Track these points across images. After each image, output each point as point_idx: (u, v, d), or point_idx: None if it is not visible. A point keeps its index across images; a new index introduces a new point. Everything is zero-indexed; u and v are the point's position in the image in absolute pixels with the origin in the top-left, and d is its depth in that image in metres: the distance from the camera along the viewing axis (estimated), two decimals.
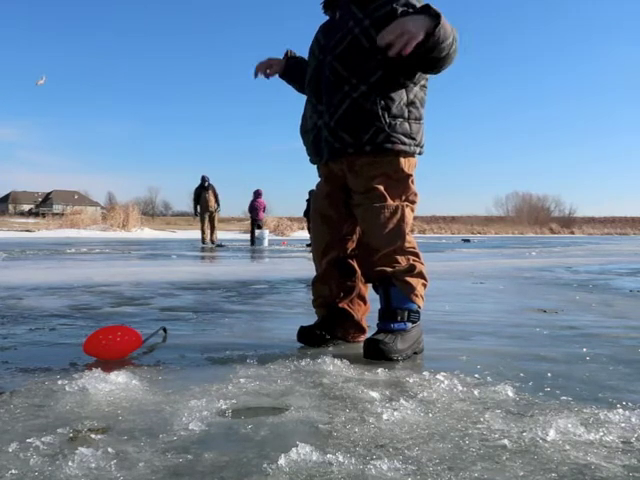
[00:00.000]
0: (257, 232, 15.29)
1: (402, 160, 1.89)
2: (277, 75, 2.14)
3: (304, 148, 2.07)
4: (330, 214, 2.01)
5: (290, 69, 2.13)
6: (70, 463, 0.93)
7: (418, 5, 1.81)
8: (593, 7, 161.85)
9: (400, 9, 1.81)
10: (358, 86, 1.84)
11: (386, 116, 1.84)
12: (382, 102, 1.84)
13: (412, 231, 1.98)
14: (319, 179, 2.07)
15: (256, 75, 2.11)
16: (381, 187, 1.86)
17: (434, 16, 1.67)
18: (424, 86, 1.95)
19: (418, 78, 1.90)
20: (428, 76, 1.95)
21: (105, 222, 25.46)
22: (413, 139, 1.89)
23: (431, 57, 1.73)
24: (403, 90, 1.88)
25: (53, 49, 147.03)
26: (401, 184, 1.90)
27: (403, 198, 1.90)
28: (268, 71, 2.12)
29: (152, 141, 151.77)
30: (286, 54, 2.15)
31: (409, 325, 1.85)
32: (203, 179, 14.65)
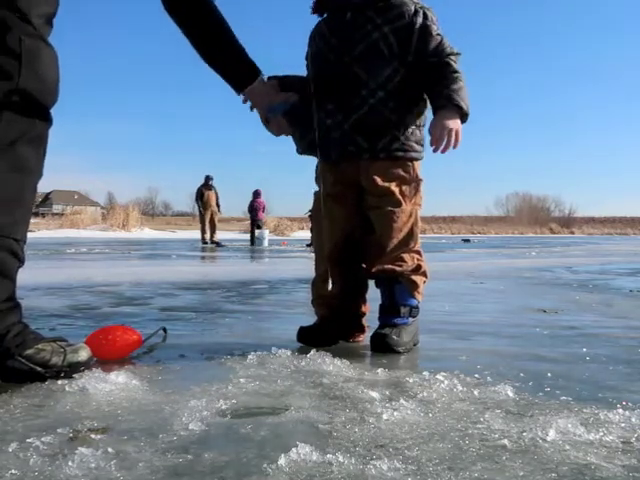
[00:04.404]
0: (257, 232, 15.29)
1: (416, 165, 1.94)
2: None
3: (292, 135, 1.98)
4: (336, 213, 1.97)
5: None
6: (70, 463, 0.93)
7: (434, 22, 1.88)
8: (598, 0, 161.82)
9: (418, 23, 1.85)
10: (376, 92, 1.86)
11: (402, 125, 1.88)
12: (399, 110, 1.87)
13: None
14: (322, 176, 1.96)
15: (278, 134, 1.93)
16: (397, 191, 1.90)
17: (458, 107, 1.80)
18: None
19: None
20: None
21: (105, 222, 25.44)
22: (422, 145, 1.95)
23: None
24: (419, 98, 1.93)
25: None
26: (415, 188, 1.94)
27: (414, 201, 1.94)
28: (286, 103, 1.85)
29: (152, 141, 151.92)
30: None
31: (410, 320, 1.94)
32: (207, 178, 14.70)
